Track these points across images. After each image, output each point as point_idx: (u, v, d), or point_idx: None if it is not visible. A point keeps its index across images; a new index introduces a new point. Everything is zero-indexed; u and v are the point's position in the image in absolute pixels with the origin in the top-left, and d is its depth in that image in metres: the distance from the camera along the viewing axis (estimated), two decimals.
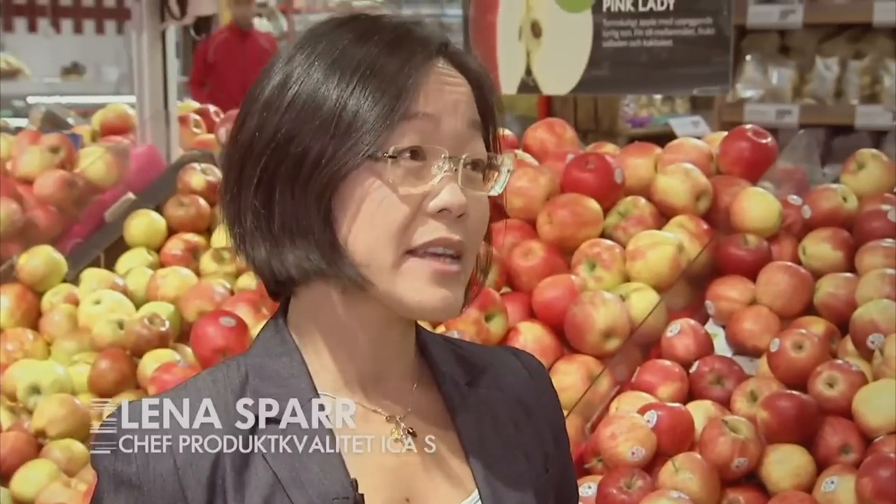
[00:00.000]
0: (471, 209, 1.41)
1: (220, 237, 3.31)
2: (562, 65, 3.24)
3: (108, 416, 1.47)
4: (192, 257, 3.28)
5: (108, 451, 1.43)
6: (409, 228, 1.40)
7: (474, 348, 1.64)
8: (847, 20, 5.59)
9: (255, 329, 2.84)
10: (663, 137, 4.17)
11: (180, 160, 3.55)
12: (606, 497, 2.41)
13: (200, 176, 3.42)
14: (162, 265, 3.30)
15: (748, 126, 3.08)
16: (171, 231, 3.37)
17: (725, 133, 3.07)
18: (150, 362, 2.90)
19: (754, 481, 2.50)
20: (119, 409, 1.45)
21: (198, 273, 3.24)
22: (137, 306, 3.16)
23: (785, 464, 2.47)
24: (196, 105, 4.15)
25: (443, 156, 1.40)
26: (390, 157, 1.38)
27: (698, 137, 3.43)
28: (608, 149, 3.10)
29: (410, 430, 1.49)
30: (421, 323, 1.56)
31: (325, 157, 1.38)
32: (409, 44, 1.42)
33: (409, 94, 1.39)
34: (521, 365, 1.63)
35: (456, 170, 1.40)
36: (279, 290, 1.50)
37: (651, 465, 2.49)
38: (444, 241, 1.40)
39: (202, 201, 3.37)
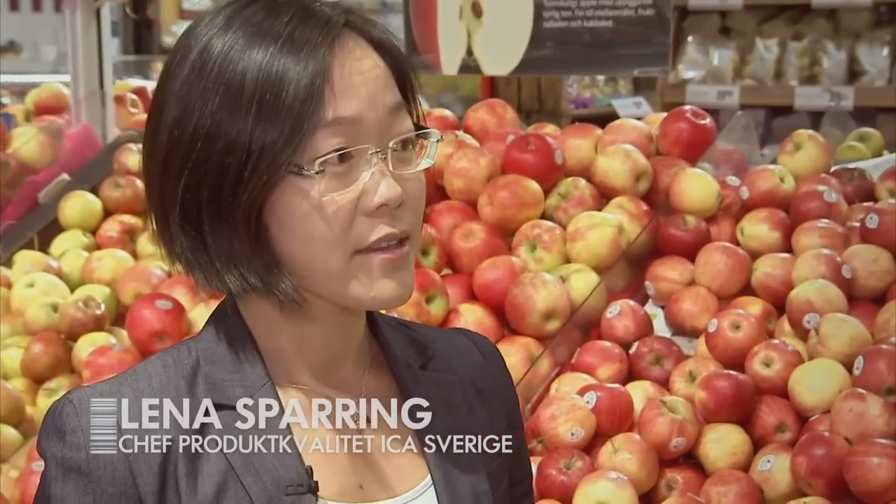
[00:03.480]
0: (407, 191, 1.39)
1: None
2: (503, 45, 3.26)
3: (55, 403, 1.45)
4: (128, 239, 3.28)
5: (56, 439, 1.42)
6: (351, 232, 1.38)
7: (427, 330, 1.64)
8: (786, 2, 5.63)
9: (192, 312, 2.85)
10: (606, 118, 4.20)
11: (116, 140, 3.54)
12: (546, 478, 2.44)
13: (137, 156, 3.39)
14: (98, 247, 3.29)
15: (687, 107, 3.12)
16: (107, 213, 3.36)
17: (665, 114, 3.11)
18: (86, 346, 2.89)
19: (692, 461, 2.54)
20: (67, 395, 1.44)
21: (135, 255, 3.23)
22: (72, 289, 3.15)
23: (722, 443, 2.51)
24: (133, 84, 4.13)
25: (369, 152, 1.37)
26: (316, 172, 1.35)
27: (640, 118, 3.46)
28: (549, 130, 3.12)
29: (364, 416, 1.49)
30: None
31: (244, 178, 1.35)
32: (311, 29, 1.37)
33: (321, 99, 1.36)
34: (474, 346, 1.64)
35: (385, 158, 1.38)
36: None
37: (590, 446, 2.51)
38: (389, 236, 1.39)
39: (139, 182, 3.33)
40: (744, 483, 2.44)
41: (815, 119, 5.24)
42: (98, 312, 2.97)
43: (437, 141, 1.45)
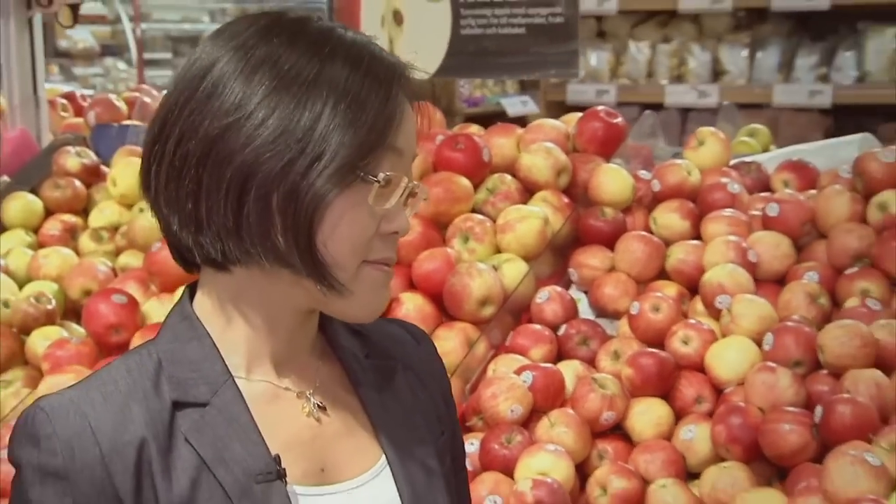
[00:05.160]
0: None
1: (97, 217, 3.27)
2: (423, 51, 3.27)
3: (25, 411, 1.43)
4: (70, 237, 3.23)
5: (30, 446, 1.40)
6: (370, 244, 1.42)
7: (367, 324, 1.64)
8: (655, 7, 5.71)
9: (145, 306, 2.83)
10: (496, 115, 4.25)
11: (54, 143, 3.48)
12: (489, 452, 2.46)
13: (76, 158, 3.37)
14: (41, 245, 3.23)
15: (601, 108, 3.14)
16: (48, 212, 3.31)
17: (580, 114, 3.13)
18: (39, 339, 2.86)
19: (620, 432, 2.57)
20: (37, 403, 1.42)
21: (77, 252, 3.19)
22: (20, 286, 3.09)
23: (647, 415, 2.55)
24: (62, 89, 4.07)
25: (402, 184, 1.42)
26: (375, 181, 1.39)
27: (525, 115, 3.51)
28: (473, 129, 3.14)
29: (320, 405, 1.51)
30: None
31: (310, 179, 1.37)
32: (384, 69, 1.42)
33: (393, 126, 1.41)
34: (408, 335, 1.66)
35: (403, 196, 1.43)
36: (197, 267, 1.49)
37: (528, 422, 2.54)
38: (388, 259, 1.45)
39: (78, 183, 3.32)
40: (668, 451, 2.49)
41: (683, 114, 5.36)
42: (49, 307, 2.93)
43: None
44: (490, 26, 3.21)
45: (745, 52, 5.63)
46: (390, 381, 1.58)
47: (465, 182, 2.92)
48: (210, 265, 1.46)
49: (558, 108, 5.26)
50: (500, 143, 3.03)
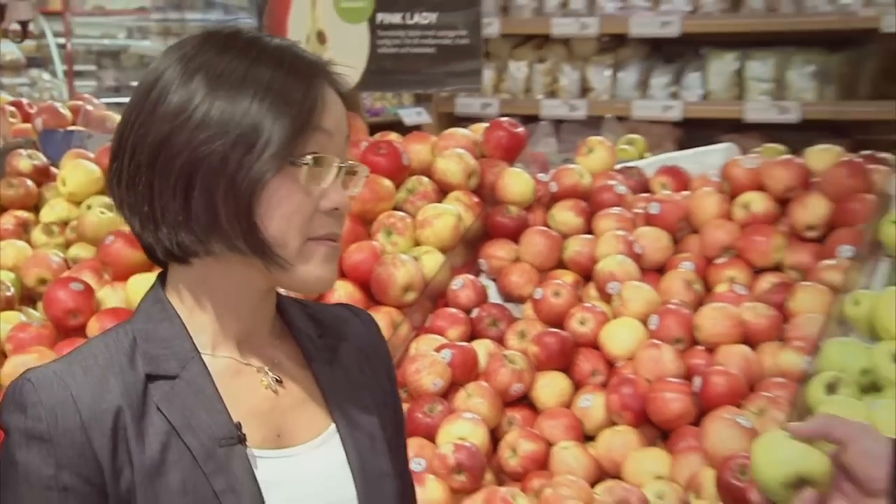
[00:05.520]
0: (346, 205, 1.45)
1: (48, 213, 3.19)
2: (344, 68, 3.25)
3: (13, 382, 1.42)
4: (23, 231, 3.14)
5: (18, 412, 1.39)
6: (311, 222, 1.41)
7: (319, 307, 1.65)
8: (532, 32, 5.71)
9: (100, 293, 2.77)
10: (395, 125, 4.22)
11: (6, 146, 3.38)
12: (414, 420, 2.47)
13: (27, 160, 3.28)
14: None
15: (504, 119, 3.15)
16: (3, 209, 3.20)
17: (487, 124, 3.14)
18: (1, 323, 2.76)
19: (527, 402, 2.60)
20: (24, 374, 1.41)
21: (31, 244, 3.10)
22: None
23: (550, 387, 2.58)
24: (9, 97, 3.95)
25: (335, 163, 1.41)
26: (304, 163, 1.38)
27: (420, 125, 3.50)
28: (393, 136, 3.12)
29: (277, 379, 1.50)
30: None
31: (246, 165, 1.36)
32: (304, 66, 1.41)
33: (315, 112, 1.39)
34: (356, 318, 1.66)
35: (338, 175, 1.42)
36: (166, 261, 1.48)
37: (448, 393, 2.56)
38: (333, 235, 1.43)
39: (29, 182, 3.23)
40: (568, 418, 2.52)
41: (556, 125, 5.40)
42: (9, 294, 2.84)
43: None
44: (404, 46, 3.21)
45: (608, 72, 5.68)
46: (340, 358, 1.58)
47: (387, 183, 2.91)
48: (172, 259, 1.46)
49: (448, 119, 5.26)
50: (417, 149, 3.03)
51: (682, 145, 4.32)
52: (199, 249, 1.42)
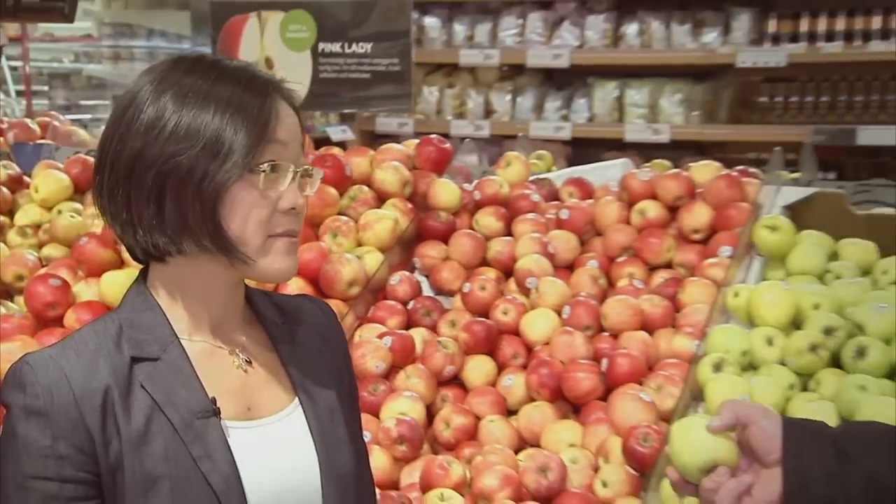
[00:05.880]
0: (302, 205, 1.46)
1: (22, 217, 3.11)
2: (295, 85, 3.23)
3: (13, 365, 1.42)
4: None
5: (18, 391, 1.39)
6: (270, 221, 1.42)
7: (282, 297, 1.65)
8: (443, 61, 5.75)
9: (75, 287, 2.71)
10: (323, 140, 4.21)
11: None
12: (360, 398, 2.36)
13: (2, 170, 3.19)
14: None
15: (434, 136, 3.15)
16: None
17: (418, 140, 3.13)
18: None
19: (458, 381, 2.60)
20: (23, 358, 1.41)
21: (7, 245, 3.02)
22: None
23: (478, 368, 2.59)
24: None
25: (290, 169, 1.42)
26: (262, 170, 1.38)
27: (344, 141, 3.49)
28: (336, 151, 3.11)
29: (247, 360, 1.51)
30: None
31: (210, 173, 1.37)
32: (258, 83, 1.41)
33: (270, 124, 1.39)
34: (316, 307, 1.66)
35: (294, 178, 1.42)
36: (146, 260, 1.49)
37: (389, 375, 2.55)
38: (292, 231, 1.44)
39: (4, 189, 3.14)
40: (494, 395, 2.53)
41: (480, 143, 5.40)
42: None
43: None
44: (342, 72, 3.19)
45: (508, 97, 5.73)
46: (301, 340, 1.58)
47: (332, 191, 2.89)
48: (150, 258, 1.47)
49: (369, 136, 5.26)
50: (357, 162, 3.01)
51: (572, 162, 4.38)
52: (172, 249, 1.43)
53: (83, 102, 6.86)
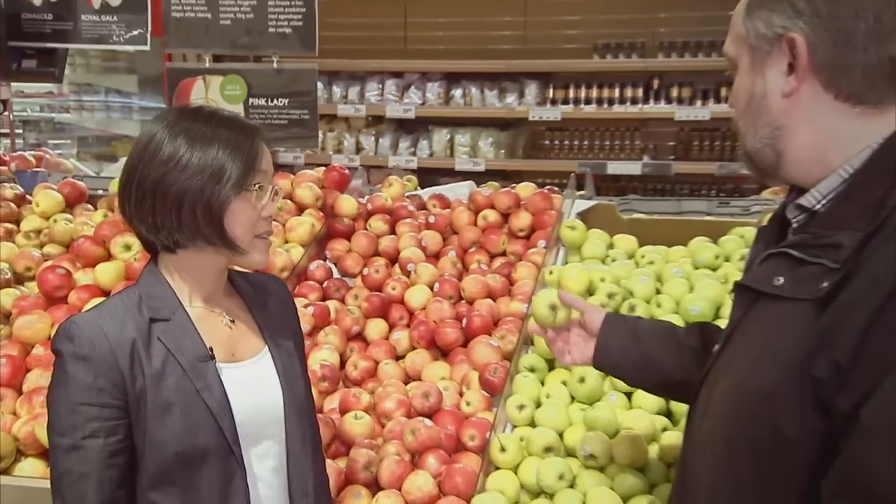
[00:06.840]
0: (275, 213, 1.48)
1: (27, 224, 2.92)
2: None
3: (62, 324, 1.39)
4: (9, 237, 2.85)
5: (67, 342, 1.36)
6: (256, 225, 1.44)
7: (252, 275, 1.65)
8: (324, 112, 5.55)
9: (76, 275, 2.57)
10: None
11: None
12: None
13: (10, 190, 2.97)
14: None
15: (337, 164, 3.10)
16: None
17: (325, 167, 3.08)
18: (4, 297, 2.51)
19: (362, 337, 2.57)
20: (69, 319, 1.39)
21: (17, 245, 2.85)
22: None
23: (376, 327, 2.56)
24: None
25: (270, 189, 1.44)
26: (253, 190, 1.40)
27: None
28: None
29: (231, 320, 1.52)
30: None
31: (217, 192, 1.38)
32: (248, 129, 1.43)
33: (257, 158, 1.42)
34: (275, 283, 1.67)
35: (270, 195, 1.45)
36: (155, 250, 1.47)
37: (311, 334, 2.50)
38: (268, 232, 1.46)
39: (12, 204, 2.94)
40: (387, 346, 2.50)
41: (367, 170, 5.34)
42: (7, 277, 2.60)
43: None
44: (267, 119, 3.14)
45: (372, 139, 5.73)
46: (268, 306, 1.59)
47: None
48: (165, 250, 1.46)
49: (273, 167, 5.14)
50: (283, 182, 2.94)
51: (420, 185, 4.42)
52: (187, 244, 1.42)
53: (50, 141, 6.48)
